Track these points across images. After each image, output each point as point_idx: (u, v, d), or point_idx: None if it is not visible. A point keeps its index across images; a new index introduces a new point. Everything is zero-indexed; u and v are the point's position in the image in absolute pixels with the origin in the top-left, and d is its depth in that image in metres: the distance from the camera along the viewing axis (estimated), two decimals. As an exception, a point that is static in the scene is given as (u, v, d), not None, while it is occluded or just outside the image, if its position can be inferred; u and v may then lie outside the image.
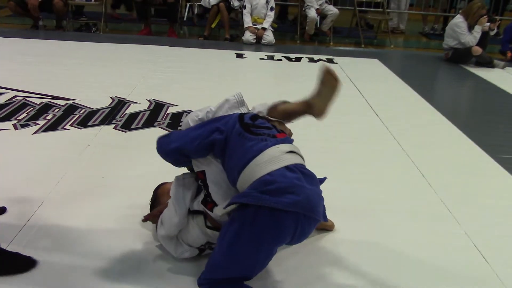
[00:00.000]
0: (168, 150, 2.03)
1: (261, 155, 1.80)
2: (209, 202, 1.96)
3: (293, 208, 1.71)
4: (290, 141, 1.96)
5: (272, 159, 1.79)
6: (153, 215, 2.20)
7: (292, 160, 1.83)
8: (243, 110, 2.11)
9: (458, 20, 6.63)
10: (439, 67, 6.82)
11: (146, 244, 2.23)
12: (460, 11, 6.85)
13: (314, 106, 2.03)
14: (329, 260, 2.22)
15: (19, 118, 3.72)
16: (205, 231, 2.05)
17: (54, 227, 2.31)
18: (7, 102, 4.05)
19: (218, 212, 1.89)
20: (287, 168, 1.79)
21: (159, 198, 2.30)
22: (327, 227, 2.40)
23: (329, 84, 2.00)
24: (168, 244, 2.12)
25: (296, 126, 3.89)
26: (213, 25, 7.71)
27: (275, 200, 1.69)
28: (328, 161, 3.21)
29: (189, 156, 2.00)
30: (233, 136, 1.88)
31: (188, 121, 2.14)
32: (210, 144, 1.92)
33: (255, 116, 2.01)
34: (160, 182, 2.40)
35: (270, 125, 1.99)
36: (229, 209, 1.78)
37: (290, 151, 1.86)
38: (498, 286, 2.13)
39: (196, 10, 9.31)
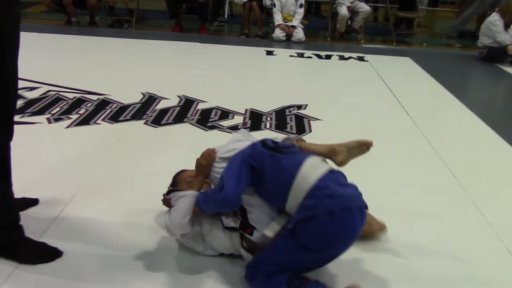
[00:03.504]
0: (240, 193, 1.92)
1: (304, 166, 1.87)
2: (247, 227, 1.96)
3: (355, 202, 1.82)
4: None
5: (314, 166, 1.88)
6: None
7: (329, 165, 1.96)
8: (252, 139, 2.12)
9: (494, 18, 6.49)
10: (473, 66, 6.67)
11: (174, 240, 2.24)
12: (496, 9, 6.70)
13: (339, 155, 2.11)
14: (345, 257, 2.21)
15: (52, 112, 3.79)
16: (238, 249, 2.05)
17: (85, 221, 2.35)
18: (41, 96, 4.13)
19: (270, 233, 1.89)
20: (331, 171, 1.90)
21: (177, 185, 2.27)
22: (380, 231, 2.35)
23: (362, 149, 2.18)
24: (191, 243, 2.13)
25: (326, 124, 3.89)
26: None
27: (341, 200, 1.79)
28: (358, 160, 3.17)
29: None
30: (266, 160, 1.92)
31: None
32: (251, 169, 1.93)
33: (273, 141, 2.04)
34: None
35: (291, 144, 2.08)
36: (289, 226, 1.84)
37: (323, 160, 1.98)
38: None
39: (227, 9, 9.34)
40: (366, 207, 1.88)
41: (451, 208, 2.72)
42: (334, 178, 1.88)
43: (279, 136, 2.16)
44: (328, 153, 2.10)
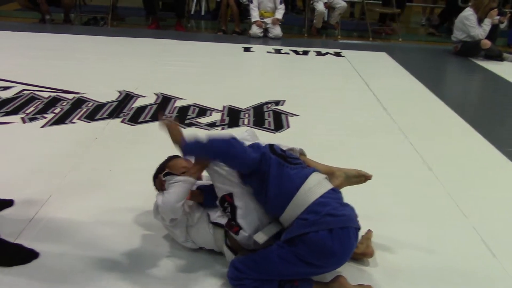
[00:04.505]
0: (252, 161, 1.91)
1: (308, 180, 1.88)
2: (234, 226, 1.94)
3: (353, 223, 1.85)
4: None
5: (319, 183, 1.90)
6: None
7: (331, 184, 1.96)
8: (257, 141, 2.10)
9: (468, 13, 6.58)
10: (447, 61, 6.76)
11: (153, 238, 2.24)
12: (470, 4, 6.80)
13: (336, 179, 2.13)
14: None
15: (27, 111, 3.73)
16: (221, 246, 2.05)
17: (62, 221, 2.32)
18: (16, 95, 4.06)
19: (260, 239, 1.88)
20: (333, 189, 1.92)
21: (167, 170, 2.19)
22: (368, 256, 2.25)
23: (360, 180, 2.22)
24: (174, 231, 2.12)
25: (304, 120, 3.91)
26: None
27: (341, 219, 1.81)
28: (336, 155, 3.19)
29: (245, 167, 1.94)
30: (273, 166, 1.91)
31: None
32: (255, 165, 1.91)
33: (281, 148, 2.03)
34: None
35: (297, 156, 2.08)
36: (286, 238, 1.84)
37: (326, 177, 1.98)
38: (506, 279, 2.13)
39: (204, 6, 9.30)
40: (360, 229, 1.90)
41: (426, 199, 2.76)
42: (335, 197, 1.91)
43: (282, 144, 2.14)
44: (326, 174, 2.08)
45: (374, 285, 1.99)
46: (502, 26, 6.89)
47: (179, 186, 1.99)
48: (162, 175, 2.11)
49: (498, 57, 6.60)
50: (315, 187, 1.87)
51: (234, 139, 1.93)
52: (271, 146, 2.01)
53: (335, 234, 1.78)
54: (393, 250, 2.27)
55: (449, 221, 2.57)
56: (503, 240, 2.41)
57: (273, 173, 1.89)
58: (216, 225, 2.05)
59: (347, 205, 1.92)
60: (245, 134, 2.14)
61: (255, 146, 1.98)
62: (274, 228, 1.93)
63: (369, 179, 2.21)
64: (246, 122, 3.77)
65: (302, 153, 2.18)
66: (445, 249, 2.31)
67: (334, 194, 1.91)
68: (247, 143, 2.04)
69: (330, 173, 2.12)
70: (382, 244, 2.29)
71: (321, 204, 1.83)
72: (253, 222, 1.93)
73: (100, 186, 2.69)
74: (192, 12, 9.08)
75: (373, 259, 2.17)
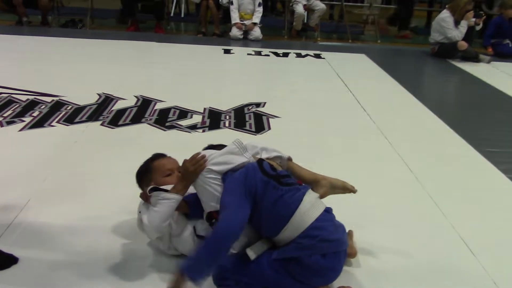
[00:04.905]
0: (241, 226, 1.85)
1: (303, 204, 1.89)
2: None
3: (343, 247, 1.91)
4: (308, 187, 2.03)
5: (313, 205, 1.91)
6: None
7: (324, 204, 1.97)
8: (246, 155, 2.05)
9: (445, 15, 6.68)
10: (425, 62, 6.86)
11: (134, 242, 2.22)
12: (447, 6, 6.90)
13: (321, 188, 2.10)
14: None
15: (4, 115, 3.68)
16: None
17: (41, 225, 2.29)
18: (-8, 99, 4.01)
19: (250, 256, 1.87)
20: (326, 211, 1.94)
21: (151, 173, 2.16)
22: (351, 256, 2.25)
23: (344, 191, 2.19)
24: (157, 240, 2.10)
25: (284, 121, 3.91)
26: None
27: (334, 245, 1.86)
28: (315, 156, 3.21)
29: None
30: (269, 190, 1.89)
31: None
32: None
33: (271, 167, 2.00)
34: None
35: (288, 173, 2.06)
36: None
37: (317, 196, 1.99)
38: (484, 278, 2.15)
39: (183, 8, 9.29)
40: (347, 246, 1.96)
41: (406, 200, 2.79)
42: (329, 218, 1.93)
43: (269, 147, 2.12)
44: (312, 182, 2.10)
45: (356, 286, 2.01)
46: (478, 28, 7.00)
47: (165, 205, 1.96)
48: (148, 190, 2.06)
49: (475, 59, 6.71)
50: (309, 210, 1.88)
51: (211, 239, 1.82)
52: (260, 165, 1.97)
53: (328, 258, 1.83)
54: (373, 250, 2.29)
55: (428, 220, 2.60)
56: (482, 239, 2.44)
57: (267, 198, 1.89)
58: (202, 238, 2.02)
59: (339, 225, 1.95)
60: (233, 146, 2.08)
61: (240, 179, 1.91)
62: (265, 246, 1.93)
63: (354, 193, 2.20)
64: (227, 124, 3.77)
65: (289, 159, 2.17)
66: (426, 248, 2.34)
67: (327, 215, 1.93)
68: (236, 156, 2.01)
69: (315, 181, 2.11)
70: (364, 245, 2.30)
71: (316, 228, 1.85)
72: (241, 239, 1.91)
73: (80, 190, 2.66)
74: (172, 14, 9.05)
75: (356, 260, 2.19)
